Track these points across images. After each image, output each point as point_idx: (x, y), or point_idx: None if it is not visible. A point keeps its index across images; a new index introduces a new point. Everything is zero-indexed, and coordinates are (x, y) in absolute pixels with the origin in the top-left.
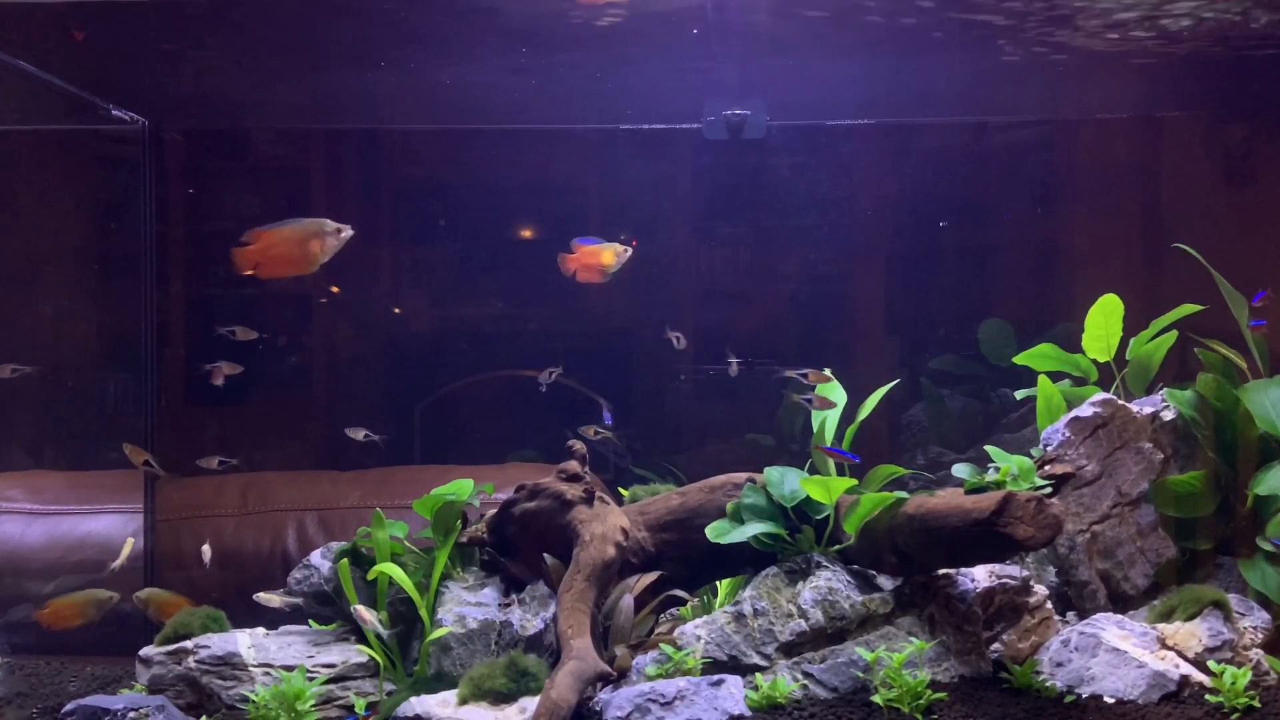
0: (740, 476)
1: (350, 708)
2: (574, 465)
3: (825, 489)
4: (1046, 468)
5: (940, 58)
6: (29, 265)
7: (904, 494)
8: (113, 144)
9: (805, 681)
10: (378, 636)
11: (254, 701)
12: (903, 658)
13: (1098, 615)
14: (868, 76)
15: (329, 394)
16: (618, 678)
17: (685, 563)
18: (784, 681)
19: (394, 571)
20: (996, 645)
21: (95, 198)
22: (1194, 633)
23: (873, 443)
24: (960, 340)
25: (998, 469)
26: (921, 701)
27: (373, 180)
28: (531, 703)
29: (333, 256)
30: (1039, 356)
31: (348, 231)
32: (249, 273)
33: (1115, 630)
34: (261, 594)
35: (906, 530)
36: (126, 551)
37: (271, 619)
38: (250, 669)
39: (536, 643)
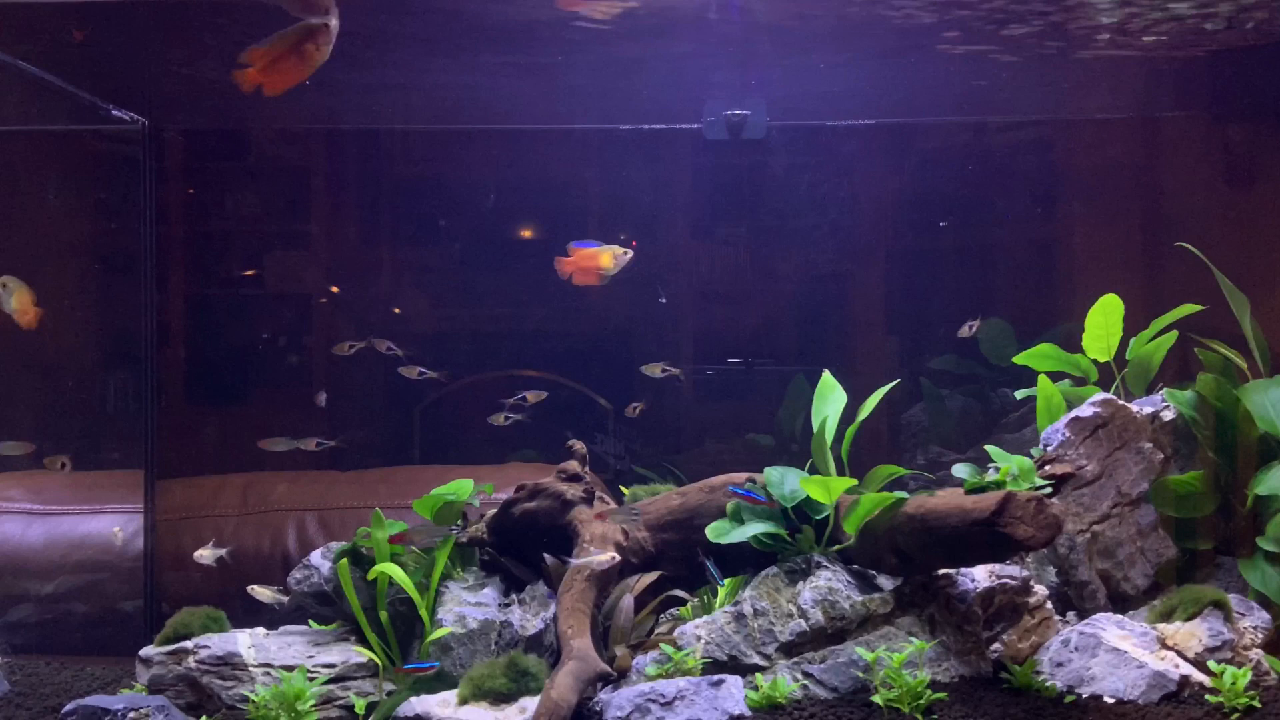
0: (740, 477)
1: (350, 708)
2: (574, 465)
3: (825, 489)
4: (1046, 468)
5: (940, 57)
6: (29, 265)
7: (904, 494)
8: (113, 144)
9: (805, 681)
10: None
11: (254, 701)
12: (903, 658)
13: (1098, 615)
14: (867, 76)
15: (329, 394)
16: (618, 678)
17: (685, 563)
18: (784, 681)
19: (394, 571)
20: (996, 645)
21: (95, 198)
22: (1194, 633)
23: (872, 443)
24: (960, 340)
25: (998, 469)
26: (921, 701)
27: (373, 180)
28: (532, 703)
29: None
30: (1039, 356)
31: (334, 21)
32: (253, 89)
33: (1115, 630)
34: (256, 586)
35: (906, 530)
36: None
37: (271, 619)
38: (250, 669)
39: (536, 643)
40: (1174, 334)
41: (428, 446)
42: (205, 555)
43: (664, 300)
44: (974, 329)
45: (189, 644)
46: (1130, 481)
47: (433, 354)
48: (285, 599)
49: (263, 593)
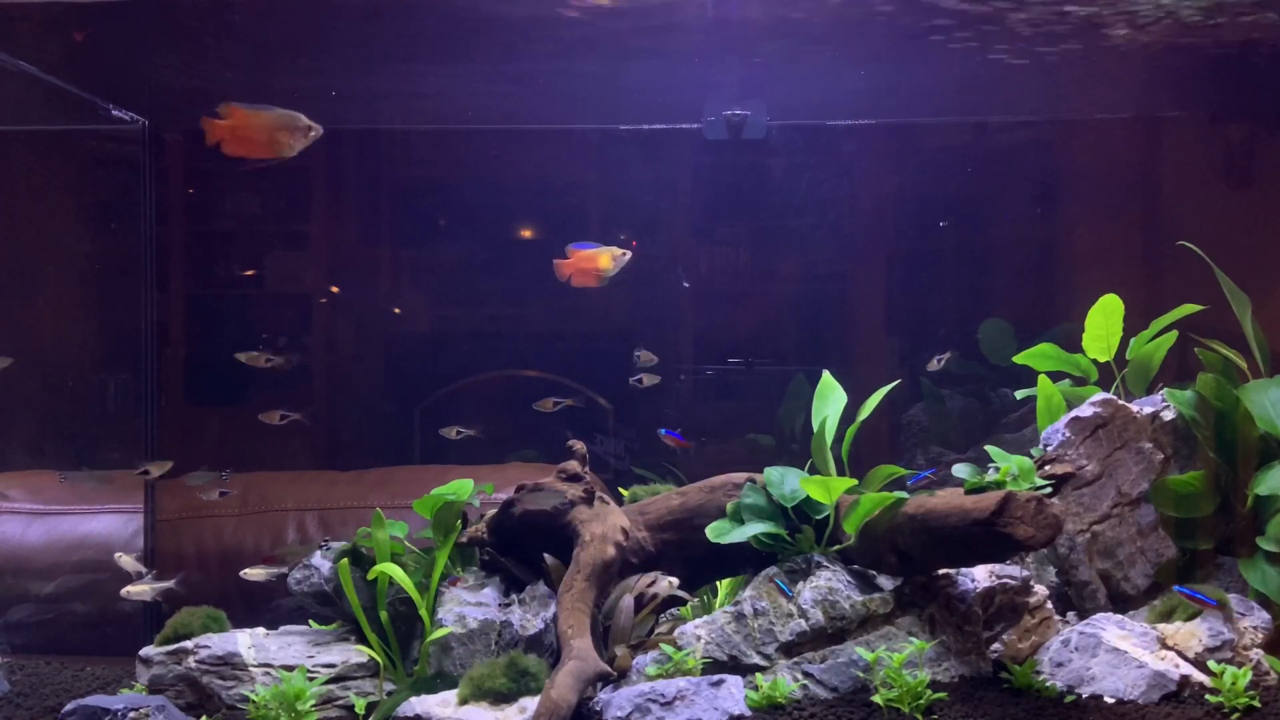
0: (740, 476)
1: (350, 708)
2: (574, 465)
3: (825, 489)
4: (1046, 468)
5: (940, 57)
6: (29, 265)
7: (904, 494)
8: (113, 144)
9: (805, 681)
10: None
11: (254, 701)
12: (903, 658)
13: (1098, 615)
14: (867, 76)
15: (329, 394)
16: (618, 678)
17: (685, 563)
18: (784, 681)
19: (394, 571)
20: (996, 645)
21: (95, 198)
22: (1194, 633)
23: (872, 443)
24: (960, 340)
25: (998, 469)
26: (921, 701)
27: (373, 180)
28: (532, 703)
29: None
30: (1039, 356)
31: (318, 131)
32: (215, 144)
33: (1115, 630)
34: (248, 569)
35: (907, 530)
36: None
37: (272, 619)
38: (250, 669)
39: (536, 643)
40: (1174, 334)
41: (428, 446)
42: (135, 592)
43: (687, 285)
44: (942, 362)
45: (189, 644)
46: (1130, 481)
47: (433, 354)
48: (284, 569)
49: (256, 573)
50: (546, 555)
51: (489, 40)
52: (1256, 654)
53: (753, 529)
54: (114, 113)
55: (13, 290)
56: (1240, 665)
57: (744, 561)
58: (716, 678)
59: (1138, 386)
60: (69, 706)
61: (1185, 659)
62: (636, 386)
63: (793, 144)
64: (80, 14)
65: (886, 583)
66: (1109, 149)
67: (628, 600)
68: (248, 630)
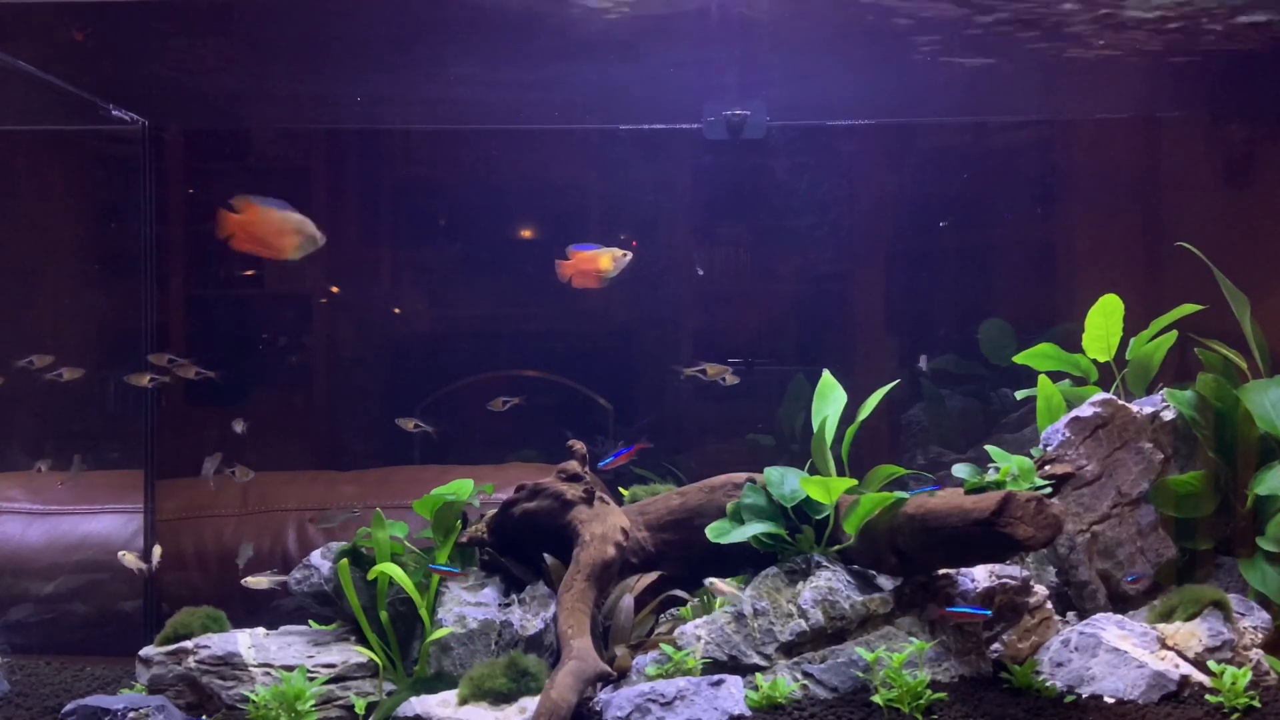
0: (740, 476)
1: (350, 708)
2: (574, 465)
3: (825, 489)
4: (1046, 468)
5: (940, 58)
6: (29, 265)
7: (904, 494)
8: (113, 144)
9: (805, 681)
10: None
11: (254, 701)
12: (903, 658)
13: (1098, 615)
14: (867, 77)
15: (329, 394)
16: (618, 678)
17: (685, 563)
18: (784, 681)
19: (394, 571)
20: (996, 645)
21: (95, 198)
22: (1194, 633)
23: (873, 443)
24: (960, 340)
25: (998, 469)
26: (921, 701)
27: (373, 180)
28: (532, 703)
29: (312, 257)
30: (1039, 356)
31: (323, 240)
32: (225, 235)
33: (1115, 630)
34: (249, 577)
35: (907, 530)
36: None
37: (272, 619)
38: (250, 669)
39: (536, 643)
40: (1174, 334)
41: (428, 446)
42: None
43: (701, 272)
44: (926, 364)
45: (189, 644)
46: (1130, 481)
47: (433, 354)
48: (285, 578)
49: (259, 581)
50: (546, 555)
51: (489, 40)
52: (1256, 654)
53: (753, 529)
54: (114, 113)
55: (13, 290)
56: (1240, 665)
57: (744, 561)
58: (716, 678)
59: (1138, 386)
60: (69, 706)
61: (1185, 659)
62: (720, 384)
63: (793, 144)
64: (80, 14)
65: (886, 583)
66: (1109, 149)
67: (628, 600)
68: (248, 630)
